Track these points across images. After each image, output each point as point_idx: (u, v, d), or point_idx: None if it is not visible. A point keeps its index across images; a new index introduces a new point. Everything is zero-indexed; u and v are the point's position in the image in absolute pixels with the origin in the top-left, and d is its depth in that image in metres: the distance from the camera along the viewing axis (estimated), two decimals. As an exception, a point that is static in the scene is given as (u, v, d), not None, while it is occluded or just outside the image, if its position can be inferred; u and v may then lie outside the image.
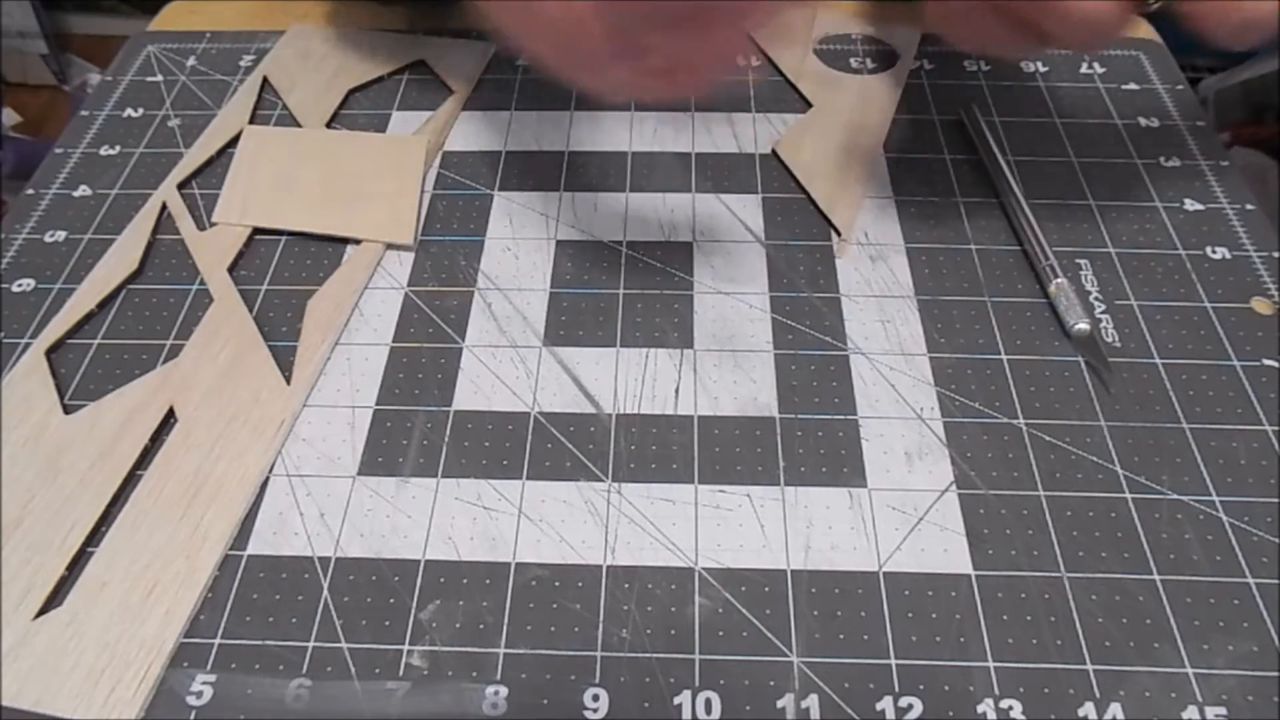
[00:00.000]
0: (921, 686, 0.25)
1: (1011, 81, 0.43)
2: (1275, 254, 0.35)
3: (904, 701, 0.25)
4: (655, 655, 0.26)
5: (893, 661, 0.25)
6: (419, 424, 0.31)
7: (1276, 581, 0.27)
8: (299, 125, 0.42)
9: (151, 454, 0.30)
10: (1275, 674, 0.25)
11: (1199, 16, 0.27)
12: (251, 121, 0.42)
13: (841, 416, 0.31)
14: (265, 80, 0.44)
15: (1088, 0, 0.27)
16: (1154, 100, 0.42)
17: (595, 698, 0.25)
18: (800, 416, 0.31)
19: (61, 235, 0.37)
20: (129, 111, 0.43)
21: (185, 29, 0.48)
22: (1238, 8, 0.27)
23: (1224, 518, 0.28)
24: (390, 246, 0.36)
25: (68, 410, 0.31)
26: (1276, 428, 0.30)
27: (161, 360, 0.33)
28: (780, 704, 0.25)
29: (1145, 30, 0.45)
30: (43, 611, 0.27)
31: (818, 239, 0.36)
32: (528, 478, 0.29)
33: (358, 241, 0.37)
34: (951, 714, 0.25)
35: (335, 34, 0.46)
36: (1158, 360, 0.32)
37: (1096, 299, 0.34)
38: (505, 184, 0.39)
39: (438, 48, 0.45)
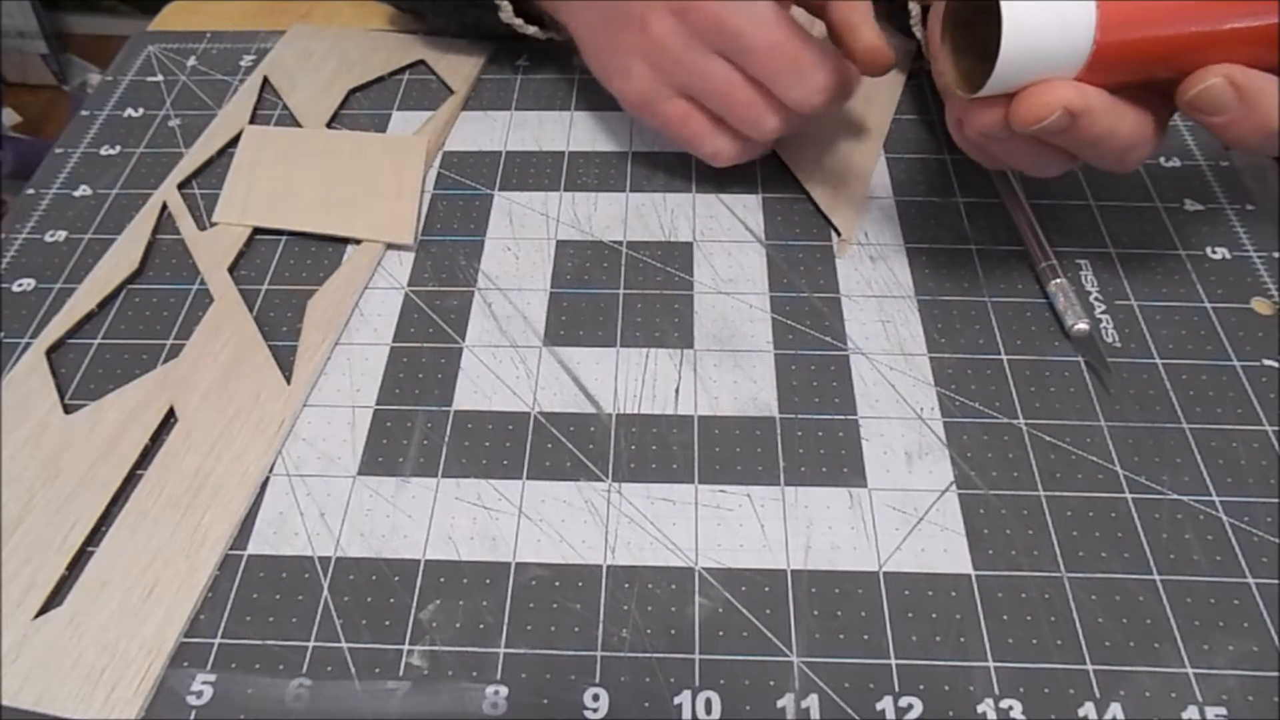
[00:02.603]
0: (921, 686, 0.25)
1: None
2: (1275, 254, 0.35)
3: (904, 701, 0.25)
4: (655, 655, 0.26)
5: (893, 661, 0.25)
6: (419, 424, 0.31)
7: (1276, 581, 0.27)
8: (299, 125, 0.42)
9: (152, 454, 0.30)
10: (1275, 674, 0.25)
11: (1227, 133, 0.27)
12: (252, 121, 0.42)
13: (841, 416, 0.31)
14: (265, 80, 0.44)
15: (1123, 135, 0.28)
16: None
17: (595, 698, 0.25)
18: (800, 416, 0.31)
19: (62, 235, 0.37)
20: (129, 111, 0.43)
21: (185, 29, 0.48)
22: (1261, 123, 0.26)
23: (1224, 518, 0.28)
24: (390, 246, 0.36)
25: (68, 410, 0.31)
26: (1276, 428, 0.30)
27: (162, 360, 0.33)
28: (780, 704, 0.25)
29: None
30: (43, 611, 0.27)
31: (818, 239, 0.36)
32: (528, 478, 0.29)
33: (358, 241, 0.37)
34: (951, 714, 0.25)
35: (335, 34, 0.46)
36: (1158, 360, 0.32)
37: (1096, 299, 0.34)
38: (505, 184, 0.39)
39: (438, 47, 0.45)
